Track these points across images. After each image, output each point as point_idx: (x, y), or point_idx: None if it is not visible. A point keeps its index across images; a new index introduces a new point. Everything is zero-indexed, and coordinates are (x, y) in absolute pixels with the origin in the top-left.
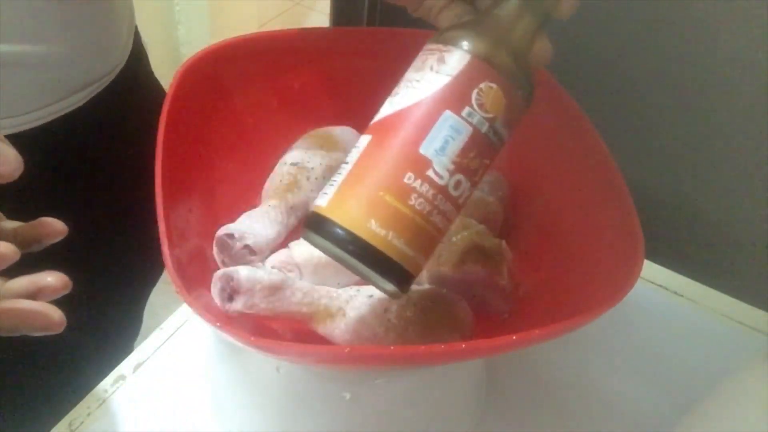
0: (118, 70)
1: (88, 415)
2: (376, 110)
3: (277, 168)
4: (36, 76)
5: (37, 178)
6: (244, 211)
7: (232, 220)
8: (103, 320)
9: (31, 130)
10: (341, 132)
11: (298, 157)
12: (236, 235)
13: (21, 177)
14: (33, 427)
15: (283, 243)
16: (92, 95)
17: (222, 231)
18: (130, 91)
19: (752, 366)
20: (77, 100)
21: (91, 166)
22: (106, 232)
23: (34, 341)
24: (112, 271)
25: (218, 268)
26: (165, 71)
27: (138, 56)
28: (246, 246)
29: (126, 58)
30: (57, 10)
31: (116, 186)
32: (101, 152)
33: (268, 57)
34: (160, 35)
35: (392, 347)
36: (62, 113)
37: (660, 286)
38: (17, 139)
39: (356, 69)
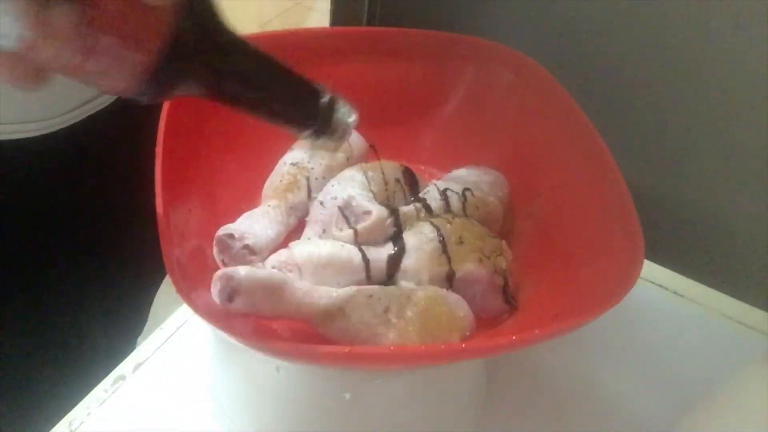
0: None
1: (88, 415)
2: (375, 110)
3: (277, 168)
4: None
5: (62, 177)
6: (244, 211)
7: (232, 220)
8: (110, 316)
9: (59, 131)
10: None
11: (298, 157)
12: (236, 235)
13: (48, 176)
14: (33, 427)
15: (283, 243)
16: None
17: (222, 231)
18: None
19: (752, 366)
20: (104, 100)
21: (113, 164)
22: (123, 228)
23: (40, 338)
24: (124, 265)
25: (218, 268)
26: None
27: None
28: (246, 246)
29: None
30: None
31: (136, 183)
32: (122, 150)
33: None
34: None
35: (392, 347)
36: (87, 114)
37: (660, 286)
38: (46, 141)
39: (356, 69)
